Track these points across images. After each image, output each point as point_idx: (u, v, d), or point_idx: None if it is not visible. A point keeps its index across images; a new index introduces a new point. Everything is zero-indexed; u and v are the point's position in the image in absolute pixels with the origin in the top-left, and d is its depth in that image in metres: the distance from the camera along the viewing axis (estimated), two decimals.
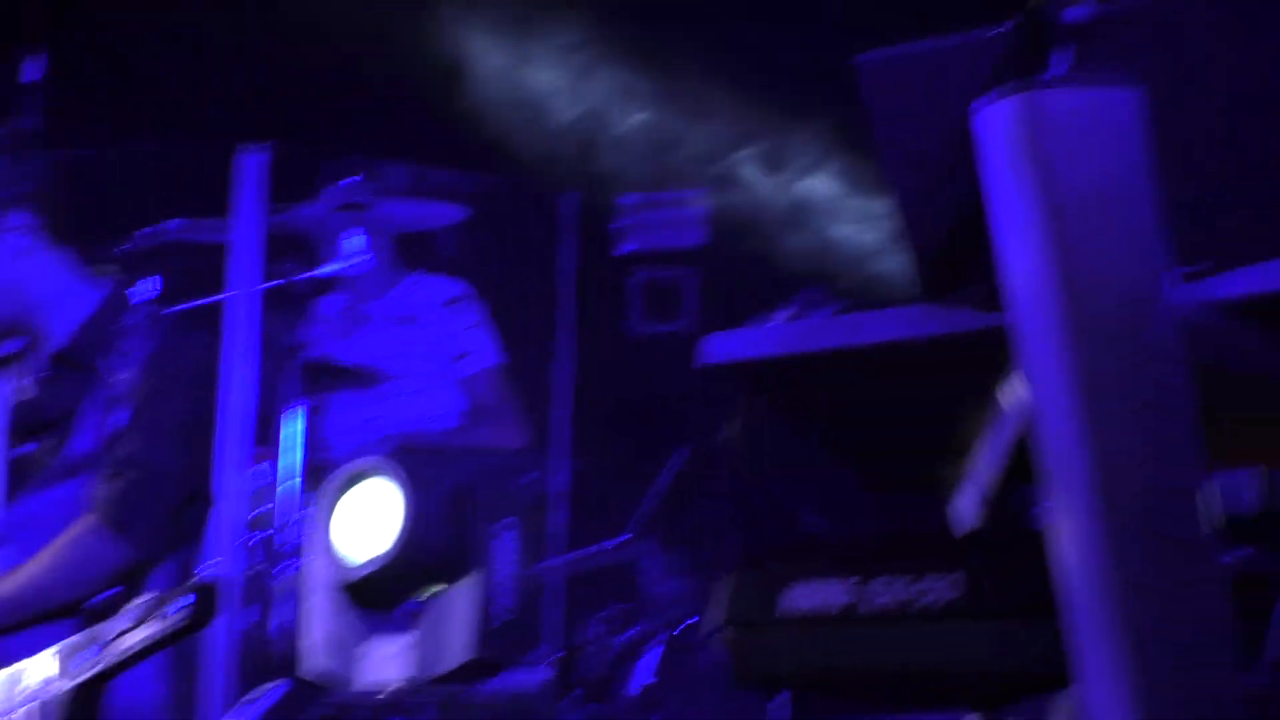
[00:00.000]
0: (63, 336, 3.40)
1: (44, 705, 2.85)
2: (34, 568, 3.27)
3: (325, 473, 3.85)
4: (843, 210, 5.48)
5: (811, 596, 2.55)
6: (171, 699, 3.34)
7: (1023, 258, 1.81)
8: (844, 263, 5.53)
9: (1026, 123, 1.81)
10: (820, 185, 5.64)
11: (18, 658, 2.91)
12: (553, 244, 5.63)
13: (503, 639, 3.71)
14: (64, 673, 2.82)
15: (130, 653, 2.78)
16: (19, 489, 3.37)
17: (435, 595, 3.71)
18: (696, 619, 4.62)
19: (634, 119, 6.03)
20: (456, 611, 3.70)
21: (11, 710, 2.90)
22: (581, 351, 5.56)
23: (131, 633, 2.76)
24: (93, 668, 2.77)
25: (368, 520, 3.66)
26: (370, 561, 3.63)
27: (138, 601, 2.78)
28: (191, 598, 2.72)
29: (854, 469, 2.85)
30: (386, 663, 3.76)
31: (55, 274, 3.42)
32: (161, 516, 3.29)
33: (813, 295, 2.55)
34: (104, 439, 3.30)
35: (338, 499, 3.69)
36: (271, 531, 4.34)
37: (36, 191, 3.41)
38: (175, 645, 2.73)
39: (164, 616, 2.74)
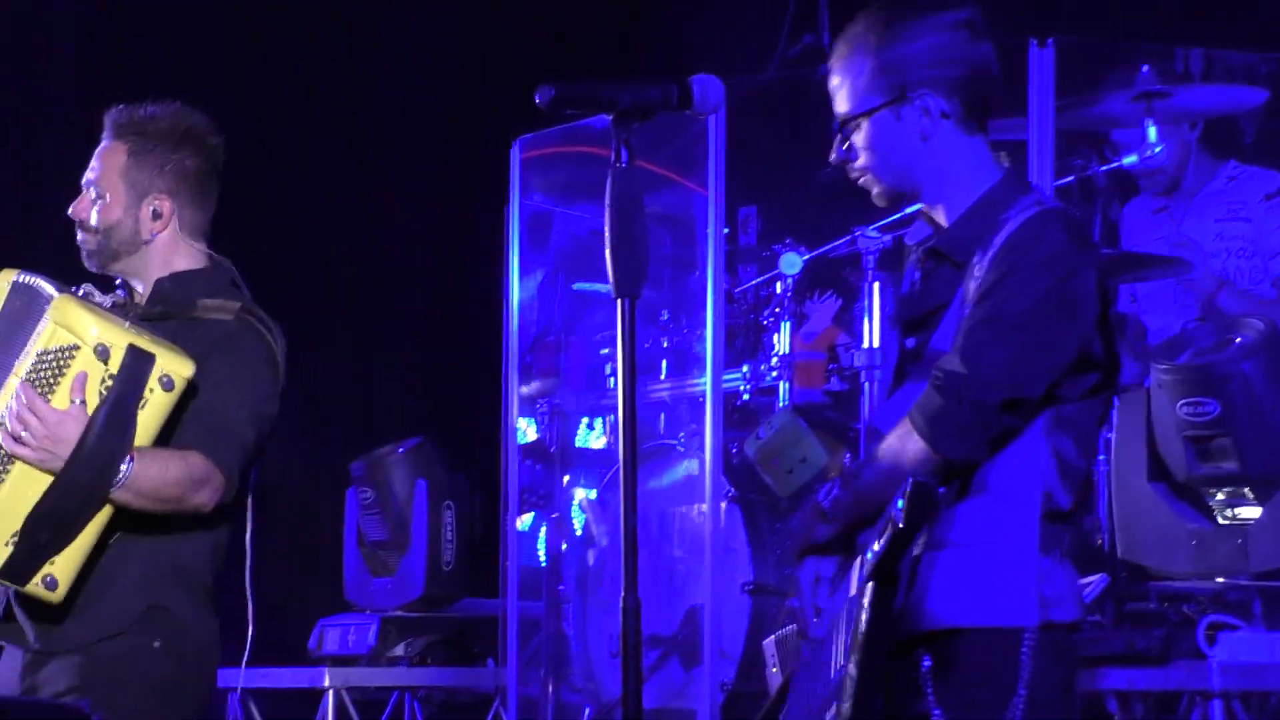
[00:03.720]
0: (944, 228, 3.38)
1: (848, 604, 3.16)
2: (873, 454, 3.35)
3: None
4: None
5: None
6: None
7: None
8: None
9: None
10: None
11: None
12: None
13: None
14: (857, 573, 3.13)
15: (875, 559, 3.02)
16: (898, 384, 3.40)
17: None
18: None
19: None
20: None
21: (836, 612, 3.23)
22: None
23: (878, 539, 3.01)
24: (868, 568, 3.05)
25: None
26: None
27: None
28: (899, 505, 2.95)
29: None
30: (1208, 553, 4.11)
31: (949, 162, 3.37)
32: (968, 421, 3.24)
33: None
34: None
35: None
36: None
37: (963, 78, 3.35)
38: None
39: (887, 521, 2.98)
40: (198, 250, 4.03)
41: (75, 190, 4.05)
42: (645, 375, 5.52)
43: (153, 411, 3.76)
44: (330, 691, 5.83)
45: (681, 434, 5.33)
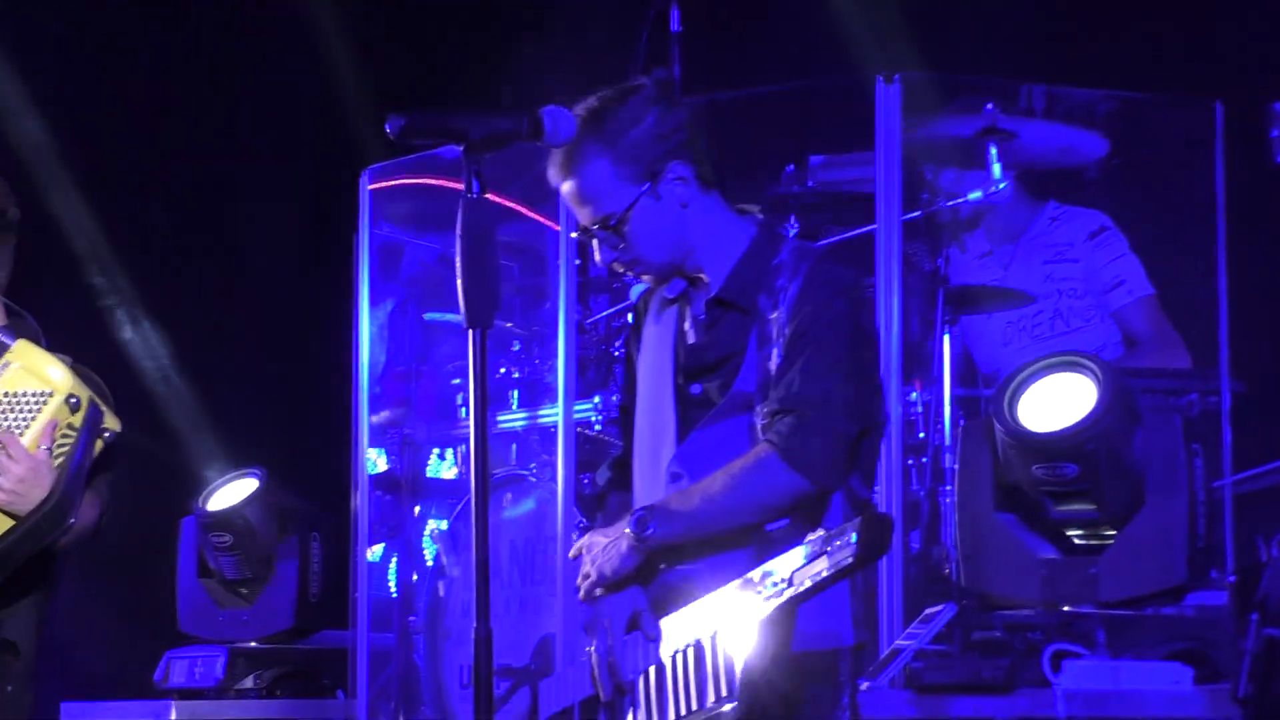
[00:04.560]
0: (719, 280, 3.48)
1: (738, 631, 3.21)
2: (711, 487, 3.39)
3: (976, 399, 4.58)
4: None
5: None
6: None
7: None
8: None
9: None
10: None
11: (699, 587, 3.33)
12: (1204, 156, 5.27)
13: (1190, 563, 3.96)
14: (753, 602, 3.18)
15: (810, 588, 3.11)
16: (688, 428, 3.48)
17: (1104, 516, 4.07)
18: None
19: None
20: (1154, 534, 4.03)
21: (699, 637, 3.28)
22: (1240, 267, 5.27)
23: (807, 568, 3.11)
24: (778, 596, 3.14)
25: (1055, 417, 4.07)
26: (1053, 433, 4.04)
27: (812, 536, 3.12)
28: (854, 539, 3.05)
29: None
30: (1057, 582, 4.14)
31: (708, 220, 3.48)
32: (835, 451, 3.36)
33: None
34: (763, 378, 3.38)
35: (1018, 393, 4.09)
36: (927, 457, 4.77)
37: (689, 140, 3.46)
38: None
39: (830, 554, 3.07)
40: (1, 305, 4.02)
41: None
42: (497, 405, 5.52)
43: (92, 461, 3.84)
44: None
45: (533, 464, 5.34)
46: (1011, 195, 5.37)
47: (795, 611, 3.19)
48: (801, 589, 3.13)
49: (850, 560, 3.05)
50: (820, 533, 3.12)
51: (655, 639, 3.39)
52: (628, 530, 3.43)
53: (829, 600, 3.32)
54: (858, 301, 3.44)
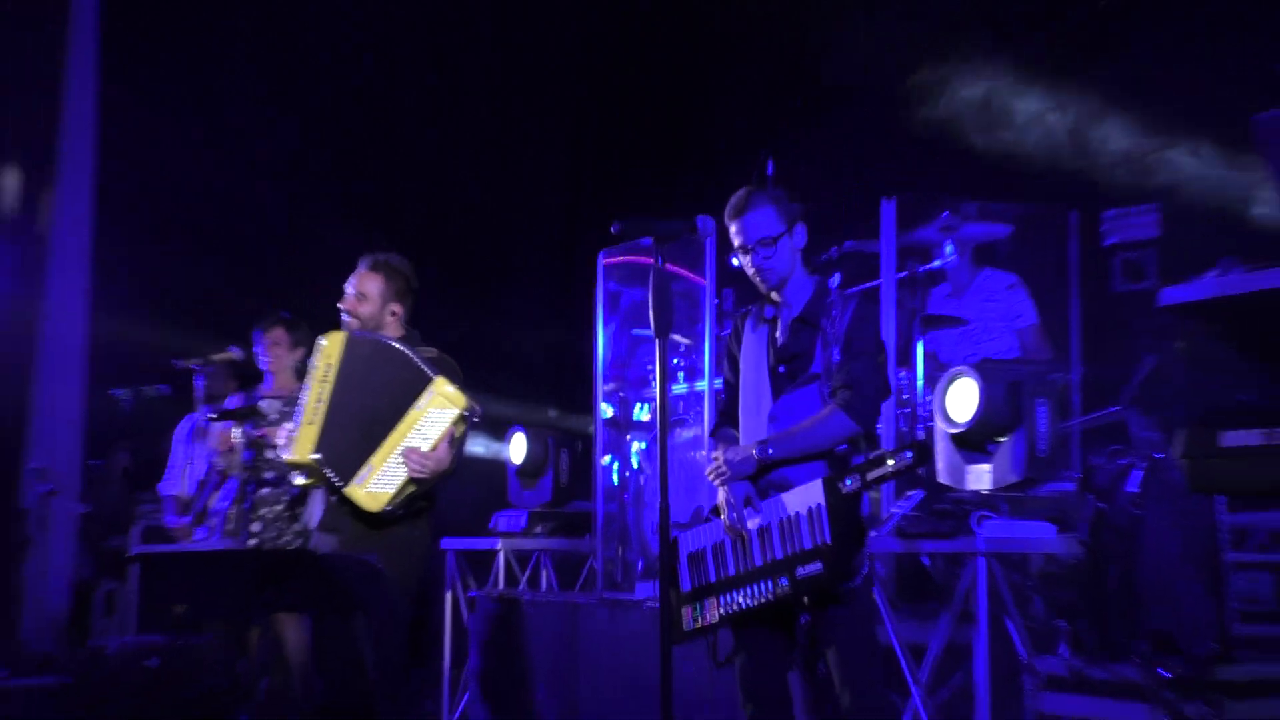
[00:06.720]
0: (798, 305, 3.61)
1: (830, 507, 3.24)
2: (804, 427, 3.46)
3: (939, 377, 4.52)
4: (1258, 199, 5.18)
5: (1239, 439, 2.61)
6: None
7: None
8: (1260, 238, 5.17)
9: None
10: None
11: (792, 482, 3.38)
12: (1063, 244, 5.37)
13: (1045, 465, 4.08)
14: (832, 492, 3.26)
15: (868, 483, 3.18)
16: (779, 392, 3.53)
17: (999, 442, 4.12)
18: (1163, 454, 4.27)
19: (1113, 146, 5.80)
20: (1013, 449, 4.09)
21: (799, 510, 3.25)
22: (1084, 305, 5.34)
23: (871, 470, 3.20)
24: (852, 488, 3.20)
25: (964, 399, 4.18)
26: (964, 422, 4.14)
27: (871, 455, 3.27)
28: (909, 454, 3.16)
29: (1264, 367, 2.98)
30: (979, 477, 4.21)
31: (800, 266, 3.58)
32: (874, 409, 3.50)
33: (1230, 261, 2.67)
34: (827, 365, 3.49)
35: (948, 387, 4.27)
36: (909, 409, 4.87)
37: (800, 214, 3.64)
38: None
39: (891, 463, 3.15)
40: (403, 328, 4.29)
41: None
42: (672, 380, 5.49)
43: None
44: (500, 553, 6.07)
45: (690, 414, 5.45)
46: (968, 262, 5.34)
47: (860, 496, 3.29)
48: (869, 480, 3.22)
49: (907, 466, 3.13)
50: (884, 450, 3.23)
51: (759, 510, 3.45)
52: (753, 450, 3.48)
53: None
54: (878, 324, 3.56)
